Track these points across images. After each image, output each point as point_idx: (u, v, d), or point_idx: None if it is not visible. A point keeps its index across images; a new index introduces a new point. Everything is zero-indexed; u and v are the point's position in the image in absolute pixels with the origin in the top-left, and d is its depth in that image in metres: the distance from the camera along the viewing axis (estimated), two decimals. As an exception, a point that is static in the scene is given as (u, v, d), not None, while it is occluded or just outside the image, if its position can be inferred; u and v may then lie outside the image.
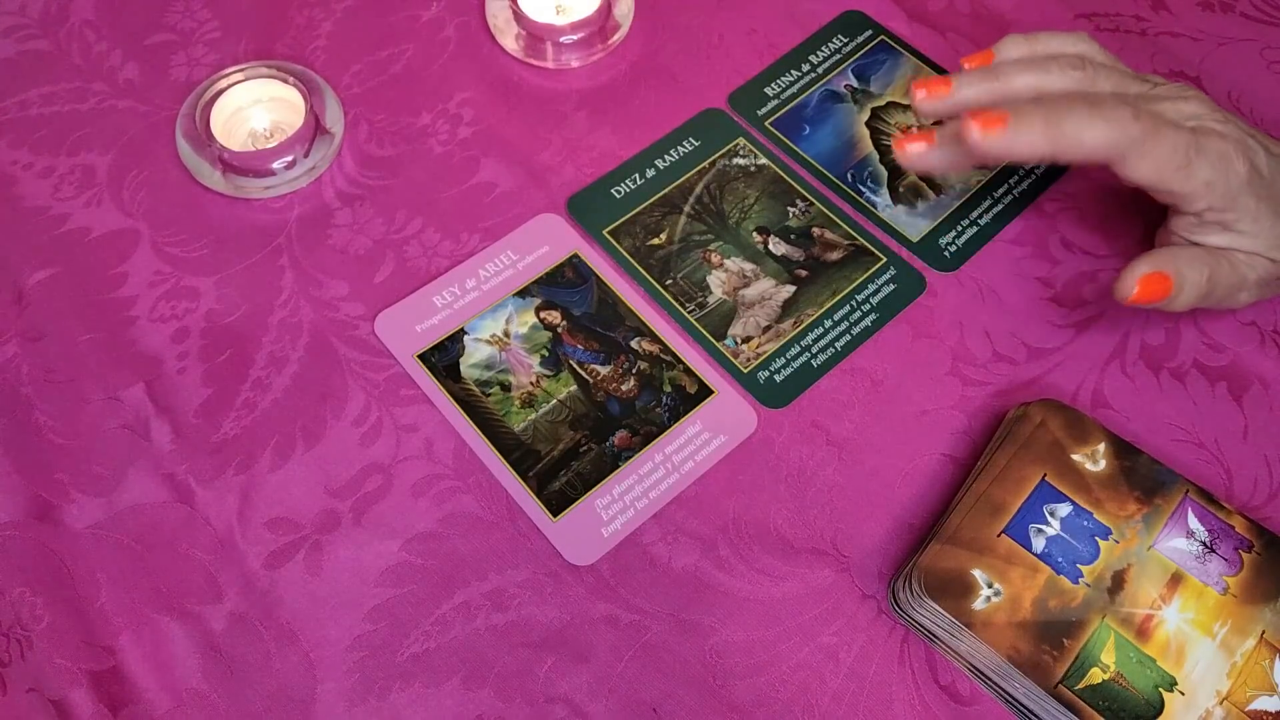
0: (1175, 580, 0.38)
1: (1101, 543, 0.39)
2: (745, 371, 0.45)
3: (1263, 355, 0.45)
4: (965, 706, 0.38)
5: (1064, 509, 0.40)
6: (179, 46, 0.56)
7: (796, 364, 0.46)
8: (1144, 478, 0.40)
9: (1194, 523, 0.39)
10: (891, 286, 0.48)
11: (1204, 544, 0.39)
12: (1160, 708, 0.36)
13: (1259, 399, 0.45)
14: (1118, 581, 0.38)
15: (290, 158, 0.50)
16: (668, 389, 0.45)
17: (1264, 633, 0.37)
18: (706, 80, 0.55)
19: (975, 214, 0.50)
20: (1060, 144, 0.38)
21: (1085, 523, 0.39)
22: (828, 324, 0.47)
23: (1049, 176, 0.51)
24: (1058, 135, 0.38)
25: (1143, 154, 0.38)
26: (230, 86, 0.51)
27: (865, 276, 0.48)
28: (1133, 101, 0.40)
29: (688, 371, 0.45)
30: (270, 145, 0.50)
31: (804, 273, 0.48)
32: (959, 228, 0.49)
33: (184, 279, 0.48)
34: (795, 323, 0.47)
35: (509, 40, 0.55)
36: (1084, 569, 0.38)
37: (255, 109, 0.52)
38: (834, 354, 0.46)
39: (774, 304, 0.47)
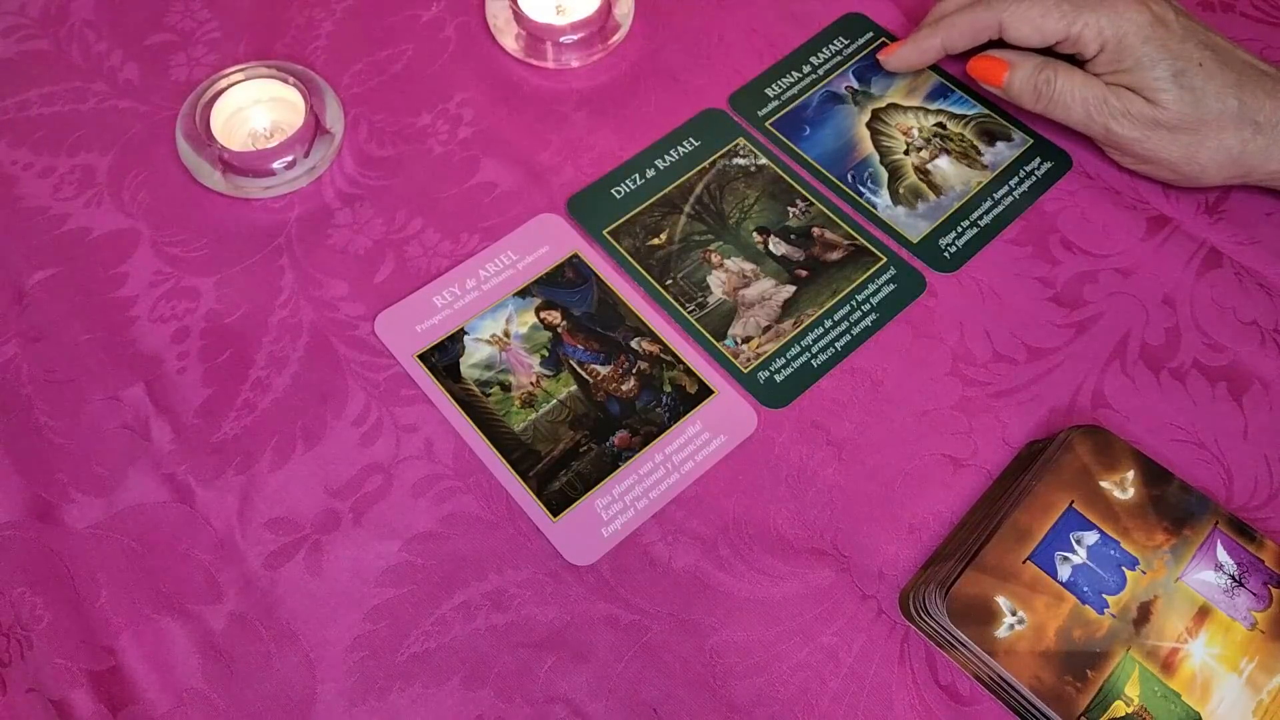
0: (1202, 614, 0.37)
1: (1129, 573, 0.38)
2: (745, 371, 0.45)
3: (1263, 355, 0.46)
4: (965, 706, 0.38)
5: (1091, 537, 0.39)
6: (179, 46, 0.56)
7: (796, 364, 0.46)
8: (1173, 507, 0.40)
9: (1223, 555, 0.39)
10: (891, 287, 0.48)
11: (1232, 578, 0.38)
12: None
13: (1259, 399, 0.45)
14: (1144, 613, 0.37)
15: (290, 158, 0.50)
16: (668, 389, 0.45)
17: None
18: (706, 80, 0.55)
19: (975, 214, 0.50)
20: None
21: (1112, 552, 0.39)
22: (828, 324, 0.47)
23: (1049, 177, 0.51)
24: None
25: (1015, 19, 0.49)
26: (230, 86, 0.51)
27: (865, 277, 0.48)
28: None
29: (688, 371, 0.45)
30: (270, 145, 0.50)
31: (804, 273, 0.48)
32: (959, 228, 0.49)
33: (184, 279, 0.48)
34: (795, 323, 0.47)
35: (509, 40, 0.55)
36: (1110, 599, 0.38)
37: (255, 109, 0.52)
38: (834, 354, 0.46)
39: (774, 304, 0.47)
